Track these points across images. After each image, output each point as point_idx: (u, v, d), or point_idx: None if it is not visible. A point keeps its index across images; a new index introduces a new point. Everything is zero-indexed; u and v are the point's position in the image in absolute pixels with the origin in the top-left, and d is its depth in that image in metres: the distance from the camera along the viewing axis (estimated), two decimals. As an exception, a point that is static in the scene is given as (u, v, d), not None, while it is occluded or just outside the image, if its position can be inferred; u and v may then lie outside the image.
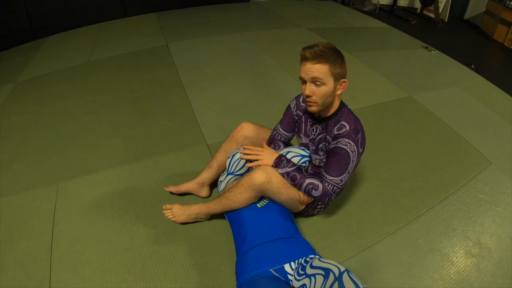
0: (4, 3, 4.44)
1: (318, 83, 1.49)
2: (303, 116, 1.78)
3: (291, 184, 1.62)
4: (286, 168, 1.59)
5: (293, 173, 1.58)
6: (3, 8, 4.45)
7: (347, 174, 1.56)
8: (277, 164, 1.60)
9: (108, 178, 2.23)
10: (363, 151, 1.61)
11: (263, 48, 4.36)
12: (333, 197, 1.59)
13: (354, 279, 1.17)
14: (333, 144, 1.58)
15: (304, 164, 1.71)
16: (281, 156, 1.62)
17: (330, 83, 1.49)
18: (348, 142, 1.53)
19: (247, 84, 3.47)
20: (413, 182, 2.25)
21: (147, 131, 2.70)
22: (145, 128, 2.73)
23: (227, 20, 5.54)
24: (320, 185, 1.56)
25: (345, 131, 1.54)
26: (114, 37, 4.89)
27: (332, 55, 1.46)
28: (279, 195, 1.62)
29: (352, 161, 1.55)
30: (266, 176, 1.57)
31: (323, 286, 1.19)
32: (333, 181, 1.55)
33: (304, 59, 1.50)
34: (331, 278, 1.19)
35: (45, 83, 3.60)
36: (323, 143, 1.66)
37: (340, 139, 1.55)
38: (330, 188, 1.56)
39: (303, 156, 1.70)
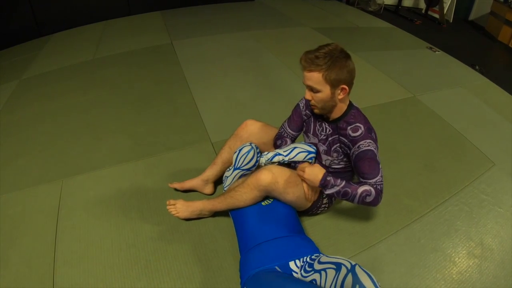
0: (9, 1, 4.45)
1: (314, 90, 1.51)
2: (312, 116, 1.77)
3: (343, 199, 1.60)
4: (335, 187, 1.54)
5: (344, 189, 1.53)
6: (8, 5, 4.46)
7: (381, 168, 1.55)
8: (324, 186, 1.57)
9: (112, 175, 2.24)
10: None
11: (267, 47, 4.36)
12: (382, 195, 1.54)
13: (366, 271, 1.18)
14: (355, 149, 1.56)
15: (310, 161, 1.73)
16: (326, 175, 1.56)
17: (325, 90, 1.49)
18: (370, 142, 1.53)
19: (252, 82, 3.47)
20: (416, 182, 2.25)
21: (152, 128, 2.71)
22: (149, 125, 2.75)
23: (232, 19, 5.55)
24: (373, 190, 1.51)
25: (361, 133, 1.54)
26: (119, 34, 4.91)
27: (327, 62, 1.42)
28: (285, 195, 1.63)
29: (378, 157, 1.55)
30: (273, 177, 1.57)
31: (335, 279, 1.20)
32: (378, 181, 1.53)
33: (301, 66, 1.50)
34: (344, 270, 1.19)
35: (50, 80, 3.62)
36: (338, 144, 1.65)
37: (360, 142, 1.54)
38: (378, 188, 1.53)
39: (310, 152, 1.71)
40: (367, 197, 1.52)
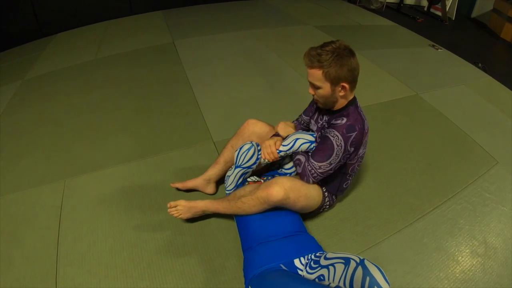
0: (11, 1, 4.46)
1: (315, 86, 1.54)
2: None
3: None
4: None
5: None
6: (10, 6, 4.48)
7: (328, 165, 1.58)
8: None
9: (115, 175, 2.24)
10: (354, 151, 1.59)
11: (269, 46, 4.35)
12: (310, 180, 1.64)
13: (376, 264, 1.18)
14: (325, 132, 1.61)
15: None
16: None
17: (326, 87, 1.52)
18: (336, 135, 1.54)
19: (254, 81, 3.47)
20: (419, 180, 2.24)
21: (154, 128, 2.71)
22: (151, 125, 2.75)
23: (234, 18, 5.54)
24: (303, 164, 1.64)
25: (339, 124, 1.56)
26: (121, 34, 4.91)
27: (328, 60, 1.45)
28: (294, 207, 1.64)
29: (337, 154, 1.55)
30: (285, 193, 1.54)
31: (345, 272, 1.20)
32: (312, 164, 1.61)
33: (304, 62, 1.53)
34: (353, 264, 1.20)
35: (52, 80, 3.63)
36: (322, 131, 1.69)
37: (331, 129, 1.57)
38: (308, 168, 1.62)
39: (312, 142, 1.72)
40: (297, 166, 1.70)
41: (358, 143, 1.58)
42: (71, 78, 3.65)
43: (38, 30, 4.95)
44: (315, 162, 1.59)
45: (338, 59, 1.45)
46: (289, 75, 3.61)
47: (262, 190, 1.58)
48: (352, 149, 1.57)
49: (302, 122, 1.95)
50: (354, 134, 1.53)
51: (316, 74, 1.49)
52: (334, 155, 1.55)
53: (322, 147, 1.59)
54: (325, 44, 1.49)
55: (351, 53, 1.50)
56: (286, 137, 1.78)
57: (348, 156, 1.60)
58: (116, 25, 5.34)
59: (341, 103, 1.61)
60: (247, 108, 2.99)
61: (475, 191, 2.18)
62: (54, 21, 5.07)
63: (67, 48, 4.57)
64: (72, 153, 2.46)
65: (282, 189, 1.55)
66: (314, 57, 1.47)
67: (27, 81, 3.67)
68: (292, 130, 1.84)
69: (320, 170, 1.60)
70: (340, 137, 1.53)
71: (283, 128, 1.85)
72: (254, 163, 1.76)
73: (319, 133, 1.73)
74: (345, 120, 1.55)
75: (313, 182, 1.67)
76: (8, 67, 4.13)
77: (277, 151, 1.72)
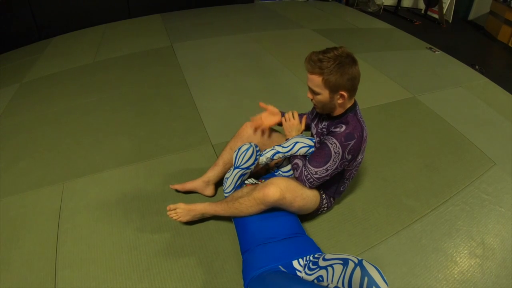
0: (9, 4, 4.47)
1: (314, 92, 1.54)
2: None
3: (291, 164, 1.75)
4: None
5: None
6: (8, 8, 4.48)
7: (324, 171, 1.58)
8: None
9: (114, 177, 2.24)
10: (351, 159, 1.58)
11: (267, 49, 4.37)
12: (307, 184, 1.65)
13: (374, 265, 1.19)
14: (324, 138, 1.62)
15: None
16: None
17: (324, 93, 1.51)
18: (334, 143, 1.53)
19: (252, 84, 3.48)
20: (417, 182, 2.25)
21: (153, 131, 2.72)
22: (150, 128, 2.75)
23: (232, 21, 5.55)
24: (301, 168, 1.66)
25: (338, 132, 1.54)
26: (119, 37, 4.92)
27: (329, 67, 1.43)
28: (290, 208, 1.64)
29: (334, 161, 1.55)
30: (281, 193, 1.55)
31: (343, 273, 1.21)
32: (308, 169, 1.62)
33: (305, 66, 1.52)
34: (351, 264, 1.20)
35: (51, 83, 3.63)
36: (321, 137, 1.69)
37: (330, 137, 1.56)
38: (305, 173, 1.63)
39: (311, 147, 1.72)
40: (295, 171, 1.70)
41: (356, 151, 1.57)
42: (70, 81, 3.66)
43: (37, 32, 4.96)
44: (311, 167, 1.60)
45: (340, 67, 1.43)
46: (287, 78, 3.62)
47: (258, 190, 1.59)
48: (350, 156, 1.56)
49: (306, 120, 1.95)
50: (352, 142, 1.53)
51: (316, 80, 1.48)
52: (331, 161, 1.56)
53: (319, 153, 1.59)
54: (328, 50, 1.46)
55: (353, 61, 1.47)
56: (286, 139, 1.79)
57: (347, 163, 1.60)
58: (114, 28, 5.35)
59: (340, 110, 1.60)
60: (245, 111, 2.97)
61: (473, 192, 2.19)
62: (52, 24, 5.08)
63: (66, 51, 4.57)
64: (71, 156, 2.46)
65: (278, 189, 1.55)
66: (315, 63, 1.45)
67: (25, 83, 3.68)
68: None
69: (316, 176, 1.60)
70: (338, 144, 1.53)
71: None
72: (253, 163, 1.77)
73: (318, 138, 1.73)
74: (344, 127, 1.54)
75: (310, 187, 1.67)
76: (6, 69, 4.13)
77: (276, 152, 1.74)
